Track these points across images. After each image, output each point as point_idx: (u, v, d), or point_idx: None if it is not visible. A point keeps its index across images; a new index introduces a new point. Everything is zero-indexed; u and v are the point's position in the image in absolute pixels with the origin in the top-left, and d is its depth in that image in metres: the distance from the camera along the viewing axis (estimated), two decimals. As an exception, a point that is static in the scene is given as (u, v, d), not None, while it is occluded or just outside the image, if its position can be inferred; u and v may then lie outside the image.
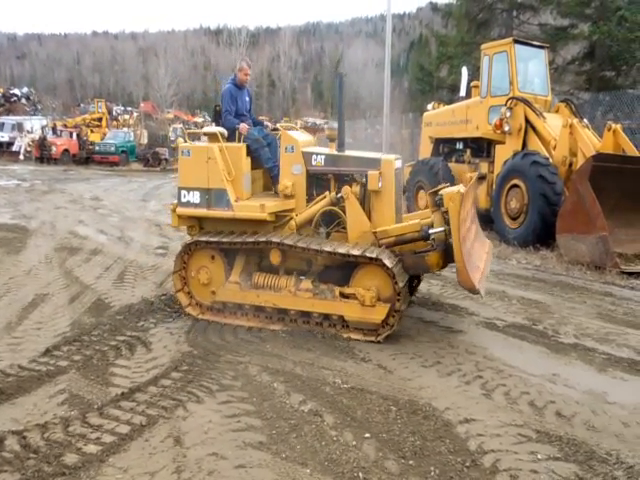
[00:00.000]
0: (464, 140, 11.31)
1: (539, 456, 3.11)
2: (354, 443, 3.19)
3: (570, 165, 8.85)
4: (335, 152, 5.23)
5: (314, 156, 5.20)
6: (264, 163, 5.57)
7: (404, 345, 4.71)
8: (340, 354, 4.46)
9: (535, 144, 9.45)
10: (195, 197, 5.26)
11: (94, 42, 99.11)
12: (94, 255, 7.87)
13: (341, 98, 5.19)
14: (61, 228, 10.00)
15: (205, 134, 5.67)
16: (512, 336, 5.05)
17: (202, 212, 5.28)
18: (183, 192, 5.31)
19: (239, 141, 5.34)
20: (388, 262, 4.54)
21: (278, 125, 6.14)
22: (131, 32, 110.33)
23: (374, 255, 4.59)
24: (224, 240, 5.09)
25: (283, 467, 2.93)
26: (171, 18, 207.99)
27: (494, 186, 9.73)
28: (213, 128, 5.60)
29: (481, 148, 10.98)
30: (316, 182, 5.34)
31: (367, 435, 3.28)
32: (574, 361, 4.48)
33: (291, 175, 5.26)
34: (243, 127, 5.35)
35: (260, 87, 74.85)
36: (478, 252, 5.18)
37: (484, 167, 10.56)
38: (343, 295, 4.83)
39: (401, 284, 4.58)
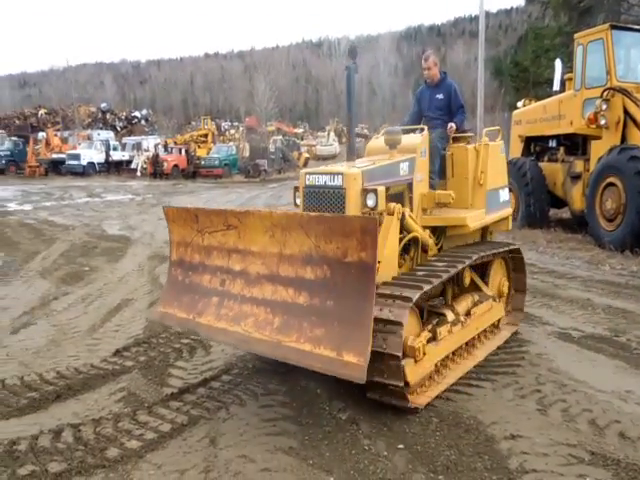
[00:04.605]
0: (557, 137, 10.62)
1: (587, 480, 2.84)
2: (385, 453, 3.12)
3: (678, 160, 7.97)
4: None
5: None
6: None
7: (461, 355, 4.51)
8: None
9: (636, 138, 8.63)
10: None
11: (206, 63, 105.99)
12: (180, 263, 8.39)
13: (351, 95, 4.41)
14: (159, 238, 10.78)
15: None
16: (587, 348, 4.64)
17: None
18: None
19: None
20: None
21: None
22: (239, 51, 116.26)
23: None
24: None
25: (307, 473, 2.94)
26: (276, 34, 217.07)
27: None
28: None
29: (576, 145, 10.25)
30: None
31: (400, 446, 3.19)
32: (654, 377, 4.02)
33: None
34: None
35: (360, 95, 75.56)
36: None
37: (579, 165, 9.83)
38: None
39: None
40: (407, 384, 3.48)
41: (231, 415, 3.58)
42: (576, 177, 9.73)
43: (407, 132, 4.93)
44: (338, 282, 3.20)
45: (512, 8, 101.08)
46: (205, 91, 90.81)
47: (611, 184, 8.36)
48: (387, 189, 4.13)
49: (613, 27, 9.29)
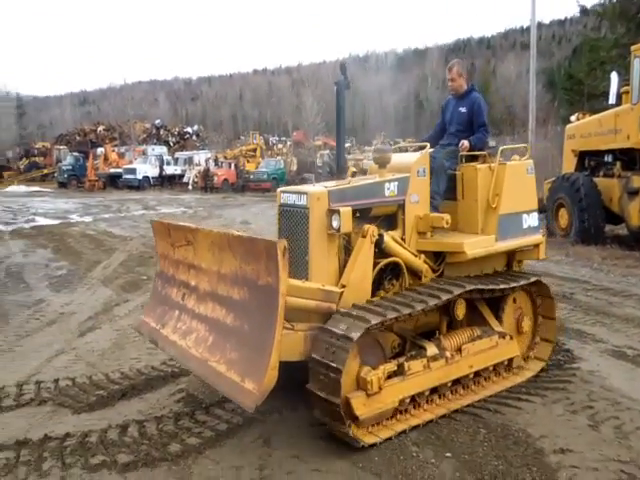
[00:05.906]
0: (613, 152, 10.36)
1: (639, 496, 2.83)
2: (433, 461, 3.20)
3: None
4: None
5: None
6: None
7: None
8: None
9: (698, 152, 8.36)
10: None
11: (254, 79, 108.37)
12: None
13: (340, 111, 4.39)
14: (210, 249, 11.16)
15: None
16: (642, 366, 4.56)
17: None
18: None
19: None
20: None
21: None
22: (286, 67, 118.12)
23: None
24: None
25: (356, 475, 3.06)
26: (322, 50, 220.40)
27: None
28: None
29: (633, 160, 9.96)
30: None
31: (448, 454, 3.26)
32: None
33: None
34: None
35: (407, 109, 75.49)
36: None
37: (637, 181, 9.54)
38: None
39: None
40: (356, 418, 3.28)
41: (284, 418, 3.74)
42: (633, 193, 9.46)
43: (418, 149, 4.71)
44: (253, 305, 3.15)
45: (566, 19, 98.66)
46: (254, 106, 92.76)
47: (669, 200, 8.13)
48: (368, 210, 3.97)
49: (671, 39, 9.07)
